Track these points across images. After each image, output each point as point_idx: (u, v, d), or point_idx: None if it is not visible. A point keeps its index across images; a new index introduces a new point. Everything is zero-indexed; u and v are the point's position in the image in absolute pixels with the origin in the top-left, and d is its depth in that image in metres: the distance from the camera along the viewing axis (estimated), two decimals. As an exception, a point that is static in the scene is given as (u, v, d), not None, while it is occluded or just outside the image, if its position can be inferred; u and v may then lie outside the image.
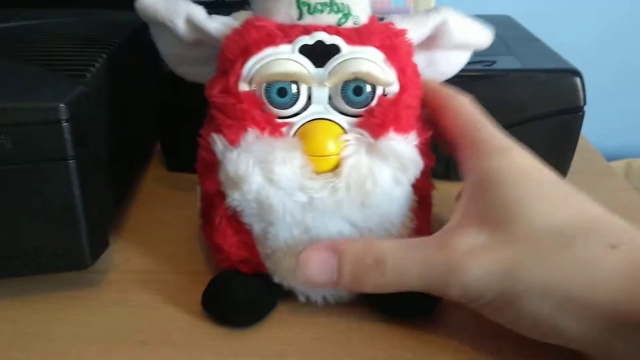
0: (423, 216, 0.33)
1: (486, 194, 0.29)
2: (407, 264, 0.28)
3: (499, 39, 0.40)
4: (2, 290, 0.34)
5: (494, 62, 0.46)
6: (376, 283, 0.29)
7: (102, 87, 0.36)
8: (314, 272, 0.29)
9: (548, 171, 0.30)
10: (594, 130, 0.58)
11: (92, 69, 0.35)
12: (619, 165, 0.88)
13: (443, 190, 0.35)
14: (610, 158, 0.55)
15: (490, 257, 0.27)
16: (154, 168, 0.50)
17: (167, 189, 0.47)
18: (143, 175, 0.49)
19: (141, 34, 0.48)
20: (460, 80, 0.39)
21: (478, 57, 0.38)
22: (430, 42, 0.34)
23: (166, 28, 0.34)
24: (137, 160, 0.49)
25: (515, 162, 0.30)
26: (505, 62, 0.46)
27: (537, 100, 0.45)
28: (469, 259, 0.27)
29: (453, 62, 0.36)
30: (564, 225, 0.27)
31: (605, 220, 0.28)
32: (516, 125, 0.46)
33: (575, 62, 0.46)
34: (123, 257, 0.38)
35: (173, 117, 0.47)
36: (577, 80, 0.44)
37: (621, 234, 0.27)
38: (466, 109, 0.33)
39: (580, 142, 0.47)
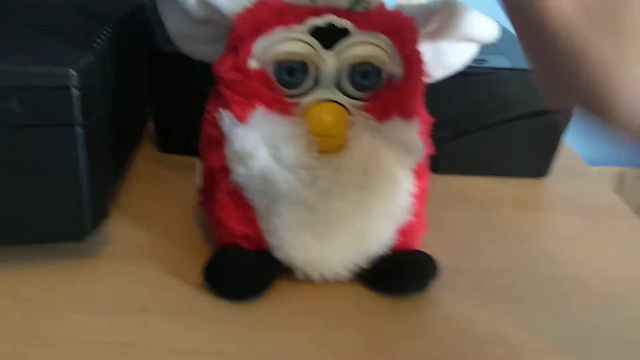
0: (421, 200, 0.34)
1: None
2: None
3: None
4: (1, 258, 0.34)
5: (485, 60, 0.47)
6: None
7: (106, 60, 0.36)
8: None
9: None
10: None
11: (98, 40, 0.35)
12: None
13: (431, 182, 0.36)
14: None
15: None
16: (146, 148, 0.50)
17: (160, 169, 0.47)
18: (135, 155, 0.49)
19: (138, 14, 0.48)
20: (453, 76, 0.40)
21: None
22: (437, 32, 0.35)
23: (176, 5, 0.34)
24: (132, 138, 0.49)
25: None
26: (496, 61, 0.48)
27: (525, 99, 0.47)
28: None
29: (458, 54, 0.38)
30: None
31: None
32: (504, 122, 0.47)
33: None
34: (119, 230, 0.38)
35: (168, 98, 0.47)
36: (564, 81, 0.46)
37: None
38: None
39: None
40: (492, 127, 0.47)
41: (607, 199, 0.47)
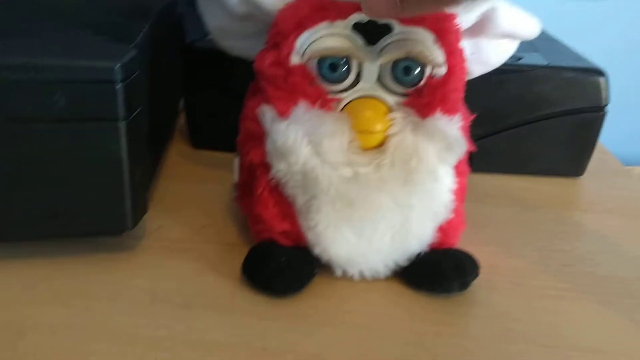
0: (460, 197, 0.34)
1: None
2: None
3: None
4: (39, 251, 0.34)
5: (521, 58, 0.47)
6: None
7: (146, 55, 0.36)
8: (379, 4, 0.27)
9: None
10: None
11: (140, 34, 0.35)
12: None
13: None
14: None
15: None
16: (178, 144, 0.50)
17: (193, 165, 0.47)
18: (168, 151, 0.49)
19: (172, 10, 0.49)
20: (489, 73, 0.40)
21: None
22: (477, 29, 0.35)
23: (216, 1, 0.34)
24: (166, 134, 0.49)
25: None
26: (532, 59, 0.47)
27: (561, 97, 0.46)
28: None
29: (499, 50, 0.37)
30: None
31: None
32: (539, 120, 0.47)
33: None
34: (155, 225, 0.38)
35: (201, 93, 0.47)
36: (602, 79, 0.45)
37: None
38: None
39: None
40: (527, 125, 0.47)
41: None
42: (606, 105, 0.46)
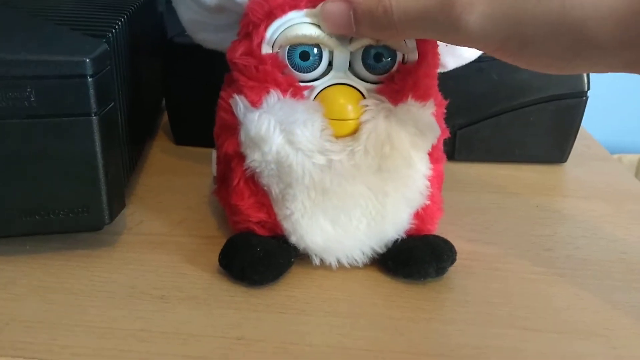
0: (437, 184, 0.34)
1: None
2: (412, 17, 0.28)
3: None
4: (19, 249, 0.34)
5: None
6: (388, 33, 0.29)
7: (120, 50, 0.36)
8: (336, 24, 0.30)
9: None
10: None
11: (113, 30, 0.35)
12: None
13: (448, 169, 0.36)
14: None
15: (490, 3, 0.25)
16: (160, 140, 0.51)
17: (174, 160, 0.47)
18: (150, 147, 0.49)
19: (151, 7, 0.49)
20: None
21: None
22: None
23: (189, -7, 0.34)
24: (147, 130, 0.49)
25: None
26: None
27: (542, 84, 0.46)
28: (469, 10, 0.26)
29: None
30: None
31: None
32: (521, 107, 0.47)
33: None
34: (135, 220, 0.38)
35: (182, 89, 0.47)
36: (582, 64, 0.45)
37: None
38: None
39: (580, 130, 0.48)
40: (509, 113, 0.47)
41: (628, 184, 0.46)
42: (587, 90, 0.46)
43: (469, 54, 0.38)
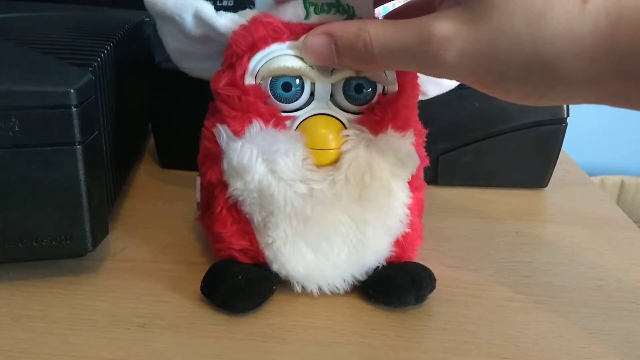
0: (417, 212, 0.34)
1: None
2: (391, 50, 0.29)
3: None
4: (2, 276, 0.34)
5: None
6: (369, 66, 0.31)
7: (105, 79, 0.37)
8: (318, 56, 0.31)
9: None
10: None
11: (98, 59, 0.35)
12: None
13: (430, 194, 0.37)
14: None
15: (467, 40, 0.26)
16: (146, 164, 0.51)
17: (160, 184, 0.47)
18: (136, 171, 0.49)
19: (138, 32, 0.49)
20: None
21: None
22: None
23: (174, 23, 0.34)
24: (132, 154, 0.49)
25: None
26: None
27: (522, 110, 0.47)
28: (447, 46, 0.27)
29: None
30: None
31: None
32: (502, 133, 0.48)
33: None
34: (119, 246, 0.38)
35: (168, 114, 0.48)
36: (561, 92, 0.46)
37: None
38: None
39: (561, 154, 0.49)
40: (491, 139, 0.48)
41: (607, 209, 0.47)
42: (567, 117, 0.47)
43: (449, 83, 0.39)
